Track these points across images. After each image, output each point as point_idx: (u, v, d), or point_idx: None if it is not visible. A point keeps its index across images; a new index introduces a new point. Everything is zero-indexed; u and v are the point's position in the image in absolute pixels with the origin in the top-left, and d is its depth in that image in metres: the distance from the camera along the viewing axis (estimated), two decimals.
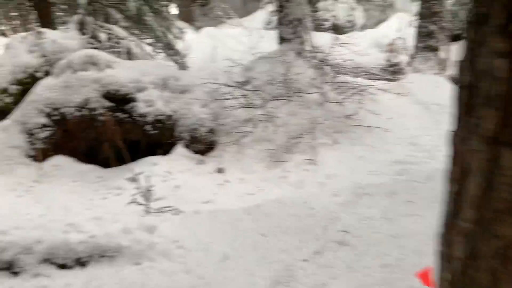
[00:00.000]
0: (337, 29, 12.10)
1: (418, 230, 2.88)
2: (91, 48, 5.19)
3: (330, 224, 3.14)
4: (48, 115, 4.42)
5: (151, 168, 4.51)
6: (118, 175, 4.39)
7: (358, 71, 6.24)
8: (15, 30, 11.30)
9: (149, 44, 7.58)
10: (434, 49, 7.26)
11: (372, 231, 3.01)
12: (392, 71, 9.15)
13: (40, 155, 4.34)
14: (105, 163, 4.63)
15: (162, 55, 7.92)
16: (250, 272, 2.72)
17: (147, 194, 3.57)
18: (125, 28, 6.67)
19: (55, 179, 4.31)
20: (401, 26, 10.48)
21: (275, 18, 12.51)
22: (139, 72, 4.84)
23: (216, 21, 15.56)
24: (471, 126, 0.94)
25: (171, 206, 3.63)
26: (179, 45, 8.34)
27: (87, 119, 4.45)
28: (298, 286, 2.57)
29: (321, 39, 7.01)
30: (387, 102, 5.72)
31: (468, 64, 0.96)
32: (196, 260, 2.83)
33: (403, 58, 9.79)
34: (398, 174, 4.16)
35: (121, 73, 4.61)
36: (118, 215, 3.40)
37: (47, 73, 4.79)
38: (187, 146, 4.91)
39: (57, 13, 6.86)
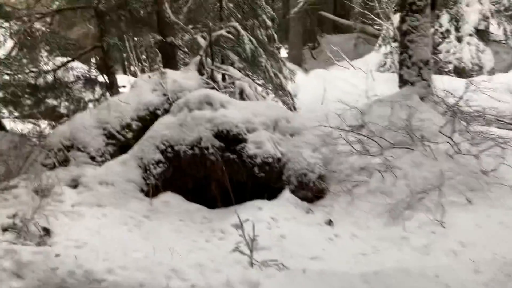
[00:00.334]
0: (460, 73, 11.06)
1: None
2: (208, 88, 5.31)
3: None
4: (163, 152, 4.52)
5: (256, 213, 4.27)
6: (223, 218, 4.24)
7: (493, 119, 5.37)
8: (143, 71, 12.57)
9: (260, 85, 7.64)
10: None
11: None
12: None
13: (152, 191, 4.41)
14: (211, 203, 4.54)
15: (272, 95, 7.94)
16: None
17: (251, 244, 3.30)
18: (240, 69, 6.80)
19: (163, 216, 4.31)
20: None
21: (390, 60, 12.02)
22: (250, 113, 4.76)
23: (326, 63, 15.52)
24: None
25: (276, 260, 3.30)
26: (289, 86, 8.31)
27: (198, 158, 4.45)
28: None
29: (448, 83, 6.32)
30: None
31: None
32: None
33: None
34: None
35: (233, 113, 4.57)
36: (221, 264, 3.18)
37: (166, 111, 4.98)
38: (294, 192, 4.60)
39: (181, 56, 7.33)
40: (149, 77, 5.35)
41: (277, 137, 4.81)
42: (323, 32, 18.89)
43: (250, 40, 6.74)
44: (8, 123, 6.98)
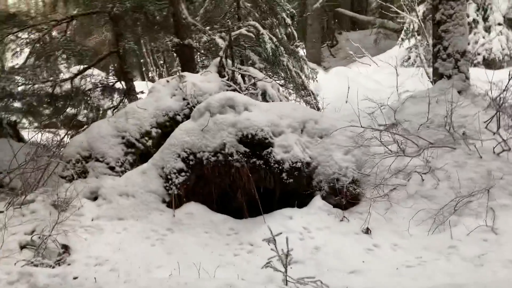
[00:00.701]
0: (490, 64, 10.50)
1: None
2: (229, 90, 5.03)
3: None
4: (185, 160, 4.25)
5: (286, 223, 3.97)
6: (251, 229, 3.95)
7: None
8: (161, 76, 12.41)
9: (282, 85, 7.34)
10: None
11: None
12: None
13: (175, 201, 4.15)
14: (238, 213, 4.25)
15: (294, 96, 7.63)
16: None
17: (285, 259, 2.99)
18: (261, 69, 6.51)
19: (187, 228, 4.04)
20: None
21: (414, 54, 11.53)
22: (276, 115, 4.45)
23: (345, 61, 15.08)
24: None
25: (313, 277, 2.98)
26: (311, 85, 7.98)
27: (222, 165, 4.17)
28: None
29: (485, 75, 5.87)
30: None
31: None
32: None
33: None
34: None
35: (258, 116, 4.27)
36: (252, 283, 2.87)
37: (187, 116, 4.72)
38: (326, 198, 4.26)
39: (199, 58, 7.09)
40: (168, 81, 5.10)
41: (305, 140, 4.49)
42: (341, 29, 18.48)
43: (271, 39, 6.45)
44: (27, 133, 6.86)
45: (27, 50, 6.76)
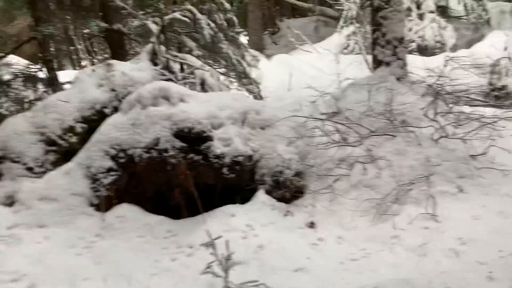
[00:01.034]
0: (423, 51, 10.89)
1: None
2: (164, 79, 4.65)
3: None
4: (114, 158, 3.86)
5: (228, 221, 3.73)
6: (190, 230, 3.66)
7: (474, 98, 5.07)
8: (93, 64, 11.57)
9: (222, 73, 7.04)
10: None
11: None
12: (497, 96, 7.81)
13: (104, 204, 3.76)
14: (176, 212, 3.94)
15: (235, 85, 7.37)
16: None
17: (225, 264, 2.75)
18: (199, 57, 6.15)
19: (118, 233, 3.67)
20: (508, 44, 9.00)
21: (353, 42, 11.68)
22: (215, 106, 4.17)
23: (287, 48, 15.03)
24: None
25: (256, 281, 2.78)
26: (253, 73, 7.75)
27: (156, 162, 3.82)
28: None
29: (421, 62, 5.98)
30: None
31: None
32: None
33: (510, 81, 8.38)
34: None
35: (195, 108, 3.96)
36: None
37: (115, 109, 4.29)
38: (270, 192, 4.08)
39: (130, 44, 6.57)
40: (93, 70, 4.61)
41: (247, 131, 4.26)
42: (283, 16, 18.41)
43: (208, 25, 6.10)
44: None
45: None
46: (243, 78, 7.28)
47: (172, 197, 3.94)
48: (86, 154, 3.88)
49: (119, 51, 5.72)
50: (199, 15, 5.85)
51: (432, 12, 11.24)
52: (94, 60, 10.54)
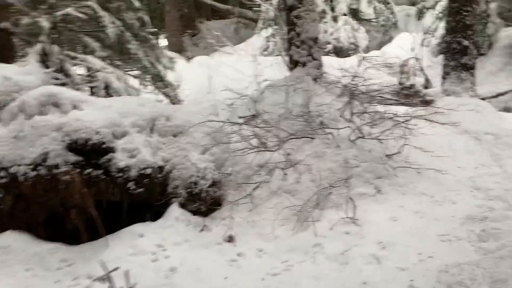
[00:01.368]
0: (339, 53, 11.21)
1: None
2: (57, 84, 4.06)
3: None
4: None
5: (136, 243, 3.31)
6: (90, 257, 3.17)
7: (387, 97, 5.15)
8: None
9: (135, 76, 6.51)
10: (470, 68, 6.20)
11: None
12: (406, 95, 8.22)
13: None
14: (74, 237, 3.41)
15: (150, 88, 6.87)
16: None
17: None
18: (104, 58, 5.57)
19: (1, 267, 3.07)
20: (414, 45, 9.56)
21: (272, 44, 11.68)
22: (117, 113, 3.70)
23: (208, 50, 14.69)
24: None
25: None
26: (170, 76, 7.30)
27: (45, 180, 3.26)
28: None
29: (337, 63, 6.01)
30: (428, 134, 4.58)
31: None
32: None
33: (418, 80, 8.89)
34: (482, 240, 2.99)
35: (92, 115, 3.46)
36: None
37: None
38: (185, 205, 3.71)
39: (22, 46, 5.77)
40: None
41: (156, 140, 3.84)
42: (202, 18, 18.04)
43: (113, 23, 5.55)
44: None
45: None
46: (158, 81, 6.82)
47: (68, 220, 3.41)
48: None
49: (7, 53, 4.96)
50: (101, 13, 5.29)
51: (345, 14, 11.62)
52: None
